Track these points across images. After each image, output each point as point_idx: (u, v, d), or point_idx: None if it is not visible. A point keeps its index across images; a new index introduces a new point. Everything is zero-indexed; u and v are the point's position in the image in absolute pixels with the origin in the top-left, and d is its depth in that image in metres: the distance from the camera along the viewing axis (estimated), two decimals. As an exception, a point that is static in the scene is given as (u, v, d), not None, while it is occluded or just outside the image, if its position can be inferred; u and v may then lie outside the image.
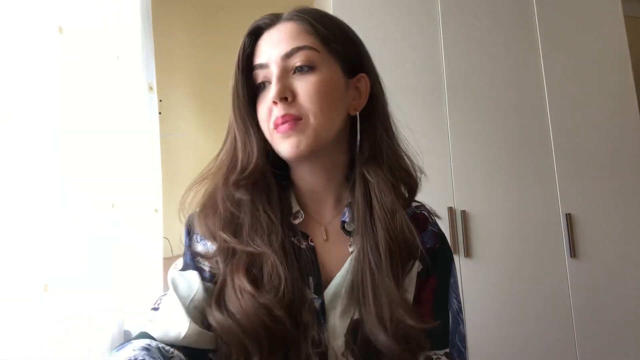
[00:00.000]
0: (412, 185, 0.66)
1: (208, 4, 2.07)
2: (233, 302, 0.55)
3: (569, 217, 1.65)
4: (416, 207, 0.72)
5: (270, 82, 0.60)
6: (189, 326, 0.55)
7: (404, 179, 0.65)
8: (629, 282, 1.67)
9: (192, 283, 0.60)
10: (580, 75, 1.78)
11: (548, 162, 1.70)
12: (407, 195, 0.65)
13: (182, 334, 0.55)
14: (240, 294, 0.55)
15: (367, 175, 0.62)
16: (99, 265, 1.19)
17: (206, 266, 0.62)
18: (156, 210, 1.41)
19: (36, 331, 1.01)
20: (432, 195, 1.75)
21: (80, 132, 1.20)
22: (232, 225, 0.59)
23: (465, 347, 0.66)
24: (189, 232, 0.66)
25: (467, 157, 1.65)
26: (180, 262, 0.64)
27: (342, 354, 0.58)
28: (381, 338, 0.56)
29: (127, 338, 1.29)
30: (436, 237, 0.69)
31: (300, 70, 0.59)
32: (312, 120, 0.58)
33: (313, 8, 0.65)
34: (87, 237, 1.19)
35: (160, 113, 1.67)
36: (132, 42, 1.42)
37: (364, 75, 0.65)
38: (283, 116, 0.58)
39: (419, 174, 0.67)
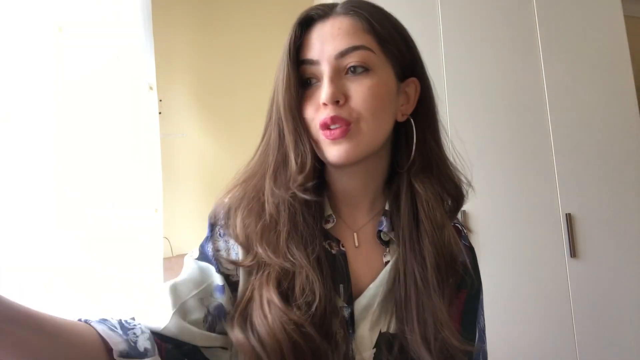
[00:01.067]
0: (459, 198, 0.64)
1: (208, 4, 2.07)
2: (259, 317, 0.53)
3: (569, 217, 1.65)
4: None
5: (318, 80, 0.57)
6: (170, 321, 0.53)
7: (452, 191, 0.63)
8: (629, 282, 1.67)
9: (206, 275, 0.58)
10: (580, 75, 1.78)
11: (548, 162, 1.70)
12: (453, 207, 0.63)
13: (161, 327, 0.53)
14: (268, 308, 0.53)
15: (416, 186, 0.60)
16: (99, 265, 1.19)
17: (223, 266, 0.59)
18: (156, 210, 1.41)
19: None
20: (432, 195, 1.74)
21: (80, 131, 1.20)
22: (270, 233, 0.57)
23: (485, 341, 0.66)
24: (214, 225, 0.62)
25: (467, 157, 1.65)
26: (196, 251, 0.62)
27: None
28: (425, 357, 0.54)
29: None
30: (468, 251, 0.66)
31: (353, 71, 0.55)
32: (363, 126, 0.55)
33: (369, 2, 0.61)
34: (87, 236, 1.19)
35: (160, 113, 1.66)
36: (132, 42, 1.42)
37: (414, 80, 0.62)
38: (333, 117, 0.54)
39: (466, 187, 0.65)
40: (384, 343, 0.57)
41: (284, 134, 0.57)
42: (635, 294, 1.66)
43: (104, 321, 0.52)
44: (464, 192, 0.65)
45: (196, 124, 1.98)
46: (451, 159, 0.66)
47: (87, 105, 1.23)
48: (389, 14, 0.62)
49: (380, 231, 0.62)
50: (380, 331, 0.57)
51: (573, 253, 1.63)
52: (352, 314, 0.57)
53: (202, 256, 0.60)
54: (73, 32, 1.14)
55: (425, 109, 0.63)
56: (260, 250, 0.55)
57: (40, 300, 1.05)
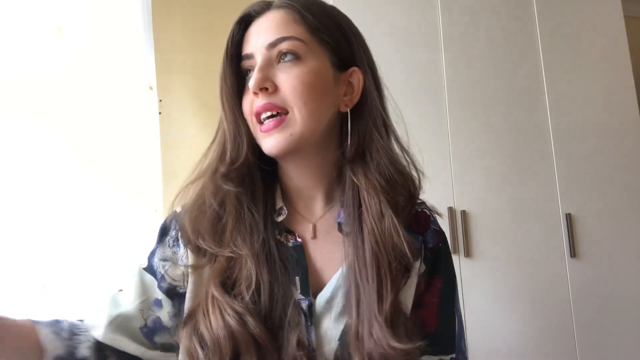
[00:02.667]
0: (408, 186, 0.61)
1: (208, 4, 2.07)
2: (201, 315, 0.53)
3: (569, 217, 1.65)
4: (417, 204, 0.68)
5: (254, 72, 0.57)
6: (104, 330, 0.56)
7: (397, 180, 0.59)
8: (629, 282, 1.67)
9: (147, 288, 0.60)
10: (580, 75, 1.78)
11: (548, 162, 1.70)
12: (405, 197, 0.60)
13: (100, 336, 0.56)
14: (212, 305, 0.53)
15: (352, 176, 0.59)
16: (99, 265, 1.19)
17: (168, 277, 0.60)
18: (156, 210, 1.41)
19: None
20: (432, 195, 1.75)
21: (80, 131, 1.20)
22: (217, 226, 0.57)
23: (467, 350, 0.65)
24: (164, 234, 0.64)
25: (467, 157, 1.65)
26: (146, 260, 0.63)
27: (335, 359, 0.55)
28: (356, 357, 0.52)
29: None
30: (438, 235, 0.66)
31: (283, 60, 0.56)
32: (296, 114, 0.55)
33: None
34: (87, 236, 1.19)
35: (160, 113, 1.66)
36: (132, 42, 1.42)
37: (355, 69, 0.61)
38: (264, 105, 0.55)
39: (416, 175, 0.63)
40: (345, 337, 0.56)
41: (225, 130, 0.59)
42: (635, 294, 1.66)
43: (55, 323, 0.55)
44: (415, 181, 0.63)
45: (196, 124, 1.98)
46: (401, 150, 0.65)
47: (87, 105, 1.23)
48: (325, 5, 0.62)
49: (340, 223, 0.61)
50: (346, 322, 0.56)
51: (573, 253, 1.63)
52: (310, 307, 0.56)
53: (149, 268, 0.62)
54: (73, 33, 1.14)
55: (368, 100, 0.61)
56: (206, 243, 0.56)
57: (39, 299, 1.05)
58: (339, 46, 0.60)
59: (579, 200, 1.68)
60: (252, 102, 0.57)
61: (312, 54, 0.57)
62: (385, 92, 0.66)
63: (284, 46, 0.55)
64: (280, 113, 0.55)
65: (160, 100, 1.69)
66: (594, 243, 1.67)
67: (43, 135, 1.10)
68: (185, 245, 0.59)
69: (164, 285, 0.60)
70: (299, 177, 0.62)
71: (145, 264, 0.62)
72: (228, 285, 0.54)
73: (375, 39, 1.77)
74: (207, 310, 0.53)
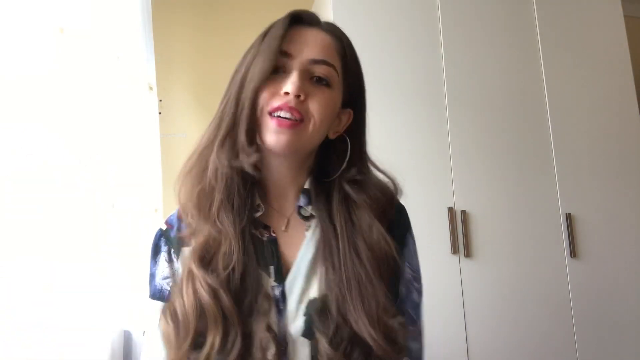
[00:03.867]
0: (390, 200, 0.69)
1: (208, 4, 2.07)
2: (179, 293, 0.57)
3: (569, 217, 1.65)
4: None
5: (285, 72, 0.61)
6: None
7: (380, 196, 0.67)
8: (629, 282, 1.67)
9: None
10: (580, 75, 1.78)
11: (548, 162, 1.70)
12: (387, 210, 0.68)
13: None
14: (187, 281, 0.57)
15: (348, 191, 0.66)
16: (99, 265, 1.19)
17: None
18: (156, 210, 1.41)
19: (37, 330, 1.01)
20: (432, 195, 1.76)
21: (80, 131, 1.20)
22: (205, 199, 0.61)
23: (418, 316, 0.70)
24: (157, 252, 0.68)
25: (467, 157, 1.65)
26: (148, 293, 0.66)
27: (303, 335, 0.59)
28: (371, 333, 0.57)
29: (126, 338, 1.29)
30: (393, 211, 0.71)
31: (318, 81, 0.62)
32: (310, 127, 0.61)
33: (346, 35, 0.69)
34: (87, 236, 1.19)
35: (160, 113, 1.67)
36: (132, 42, 1.42)
37: (350, 111, 0.69)
38: (291, 107, 0.59)
39: (395, 189, 0.70)
40: (314, 309, 0.60)
41: (241, 108, 0.61)
42: (635, 294, 1.66)
43: None
44: (393, 194, 0.70)
45: (196, 124, 1.98)
46: (379, 167, 0.71)
47: (87, 105, 1.23)
48: (356, 51, 0.69)
49: (300, 207, 0.67)
50: (308, 298, 0.61)
51: (573, 253, 1.63)
52: (283, 293, 0.61)
53: (155, 294, 0.66)
54: (74, 33, 1.14)
55: (354, 137, 0.69)
56: (191, 215, 0.61)
57: (40, 300, 1.05)
58: (352, 90, 0.68)
59: (579, 200, 1.68)
60: (273, 97, 0.60)
61: (337, 86, 0.64)
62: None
63: (324, 70, 0.62)
64: (297, 119, 0.60)
65: (160, 100, 1.69)
66: (594, 243, 1.67)
67: (43, 135, 1.10)
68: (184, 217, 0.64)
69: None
70: (279, 176, 0.67)
71: (149, 292, 0.66)
72: (206, 260, 0.58)
73: (375, 39, 1.79)
74: (182, 287, 0.57)
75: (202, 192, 0.61)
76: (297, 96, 0.59)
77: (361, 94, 0.70)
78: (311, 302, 0.60)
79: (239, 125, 0.60)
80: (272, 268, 0.62)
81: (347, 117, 0.69)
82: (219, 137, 0.62)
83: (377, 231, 0.63)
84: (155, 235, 0.69)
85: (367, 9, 1.68)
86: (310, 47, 0.62)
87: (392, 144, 1.59)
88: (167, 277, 0.65)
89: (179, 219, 0.67)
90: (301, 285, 0.62)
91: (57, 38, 1.09)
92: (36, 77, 1.05)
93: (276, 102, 0.60)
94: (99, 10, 1.26)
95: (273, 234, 0.66)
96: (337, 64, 0.64)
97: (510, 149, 1.69)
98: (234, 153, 0.60)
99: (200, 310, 0.55)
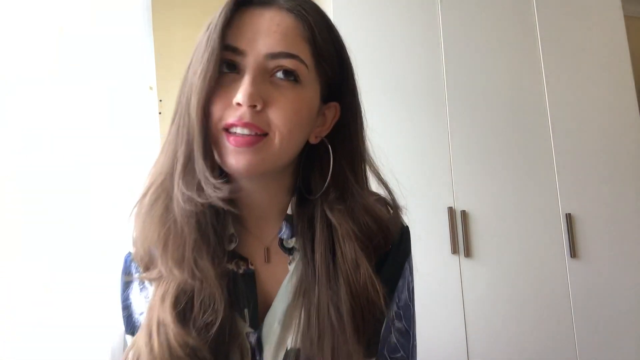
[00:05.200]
0: (384, 234, 0.56)
1: (208, 4, 2.07)
2: (143, 344, 0.48)
3: (569, 217, 1.65)
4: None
5: (239, 72, 0.49)
6: None
7: (372, 228, 0.55)
8: (629, 282, 1.67)
9: None
10: (580, 75, 1.78)
11: (548, 162, 1.70)
12: (378, 242, 0.56)
13: None
14: (157, 332, 0.47)
15: (331, 219, 0.54)
16: (99, 267, 1.19)
17: None
18: (156, 210, 1.41)
19: (37, 330, 1.01)
20: (432, 195, 1.76)
21: (80, 131, 1.20)
22: (175, 241, 0.50)
23: (412, 355, 0.60)
24: (128, 283, 0.57)
25: (467, 157, 1.65)
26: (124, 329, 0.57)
27: None
28: None
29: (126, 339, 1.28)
30: (392, 249, 0.60)
31: (282, 77, 0.49)
32: (276, 140, 0.48)
33: (317, 6, 0.53)
34: (87, 237, 1.19)
35: (160, 113, 1.66)
36: (132, 42, 1.42)
37: (336, 104, 0.56)
38: (245, 123, 0.47)
39: (397, 215, 0.59)
40: None
41: (192, 129, 0.48)
42: (635, 294, 1.66)
43: None
44: (389, 228, 0.57)
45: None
46: (377, 186, 0.59)
47: (87, 106, 1.23)
48: (333, 26, 0.54)
49: (281, 239, 0.56)
50: (286, 349, 0.52)
51: (573, 253, 1.63)
52: (259, 339, 0.52)
53: (135, 331, 0.55)
54: (74, 33, 1.14)
55: (344, 135, 0.56)
56: (160, 263, 0.50)
57: (40, 300, 1.05)
58: (333, 79, 0.54)
59: (579, 200, 1.68)
60: (227, 108, 0.48)
61: (310, 81, 0.51)
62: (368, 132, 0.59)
63: (286, 63, 0.48)
64: (257, 134, 0.48)
65: (160, 100, 1.69)
66: (594, 243, 1.67)
67: (42, 135, 1.10)
68: (138, 265, 0.54)
69: None
70: (255, 198, 0.56)
71: (126, 327, 0.57)
72: (182, 311, 0.49)
73: (375, 39, 1.78)
74: (152, 336, 0.48)
75: (169, 235, 0.50)
76: (253, 106, 0.46)
77: (346, 81, 0.56)
78: (287, 354, 0.52)
79: (195, 153, 0.48)
80: (246, 311, 0.53)
81: (333, 113, 0.56)
82: (178, 167, 0.49)
83: (363, 272, 0.52)
84: (125, 260, 0.58)
85: (367, 9, 1.68)
86: (266, 36, 0.48)
87: (392, 143, 1.59)
88: (143, 313, 0.53)
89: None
90: (278, 333, 0.53)
91: (58, 38, 1.09)
92: (36, 77, 1.05)
93: (229, 117, 0.47)
94: (99, 10, 1.26)
95: (251, 267, 0.55)
96: (305, 52, 0.49)
97: (510, 149, 1.69)
98: (196, 186, 0.48)
99: None
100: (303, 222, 0.56)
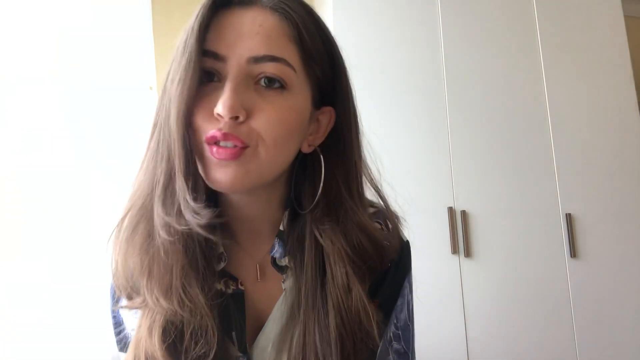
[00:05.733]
0: (380, 256, 0.52)
1: (208, 4, 2.07)
2: None
3: (569, 217, 1.65)
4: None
5: (219, 79, 0.45)
6: None
7: (367, 249, 0.50)
8: (629, 282, 1.67)
9: None
10: (580, 75, 1.78)
11: (548, 162, 1.70)
12: (373, 266, 0.51)
13: None
14: None
15: (320, 238, 0.49)
16: (99, 267, 1.19)
17: None
18: (156, 211, 1.41)
19: (37, 330, 1.01)
20: (432, 195, 1.76)
21: (80, 131, 1.20)
22: (160, 269, 0.46)
23: None
24: (119, 301, 0.53)
25: (467, 157, 1.65)
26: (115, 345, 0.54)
27: None
28: None
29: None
30: (389, 266, 0.56)
31: (266, 84, 0.45)
32: (261, 152, 0.44)
33: (303, 3, 0.49)
34: (86, 237, 1.19)
35: (160, 113, 1.66)
36: (132, 42, 1.42)
37: (331, 109, 0.51)
38: (225, 134, 0.43)
39: (396, 231, 0.55)
40: None
41: (172, 145, 0.44)
42: (635, 294, 1.66)
43: None
44: (385, 248, 0.52)
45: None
46: (374, 202, 0.55)
47: (88, 106, 1.23)
48: (322, 24, 0.50)
49: (274, 258, 0.53)
50: None
51: (573, 253, 1.63)
52: None
53: (127, 347, 0.52)
54: (74, 33, 1.14)
55: (337, 143, 0.52)
56: (146, 293, 0.45)
57: (40, 300, 1.05)
58: (325, 82, 0.50)
59: (579, 200, 1.68)
60: (208, 119, 0.44)
61: (299, 86, 0.46)
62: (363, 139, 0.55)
63: (270, 68, 0.44)
64: (241, 146, 0.44)
65: (160, 100, 1.69)
66: (594, 243, 1.67)
67: (42, 135, 1.10)
68: (119, 294, 0.50)
69: None
70: (243, 210, 0.52)
71: (117, 344, 0.54)
72: (172, 344, 0.46)
73: (375, 39, 1.78)
74: None
75: (153, 263, 0.46)
76: (235, 117, 0.43)
77: (339, 83, 0.51)
78: None
79: (175, 169, 0.44)
80: (233, 334, 0.49)
81: (327, 118, 0.51)
82: (158, 189, 0.45)
83: (355, 297, 0.48)
84: (111, 287, 0.55)
85: (368, 9, 1.68)
86: (248, 38, 0.44)
87: (392, 144, 1.59)
88: (134, 329, 0.50)
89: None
90: (272, 355, 0.50)
91: (58, 38, 1.09)
92: (36, 77, 1.05)
93: (210, 129, 0.43)
94: (99, 10, 1.26)
95: (240, 287, 0.51)
96: (291, 54, 0.45)
97: (510, 149, 1.69)
98: (176, 211, 0.44)
99: None
100: (293, 240, 0.52)
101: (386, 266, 0.53)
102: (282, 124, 0.45)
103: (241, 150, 0.44)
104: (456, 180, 1.63)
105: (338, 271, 0.48)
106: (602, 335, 1.61)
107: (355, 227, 0.50)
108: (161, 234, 0.44)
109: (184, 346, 0.45)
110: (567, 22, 1.81)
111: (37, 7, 0.97)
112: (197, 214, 0.43)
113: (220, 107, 0.42)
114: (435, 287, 1.53)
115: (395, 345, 0.54)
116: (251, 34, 0.44)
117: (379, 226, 0.54)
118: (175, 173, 0.44)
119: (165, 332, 0.45)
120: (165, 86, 0.47)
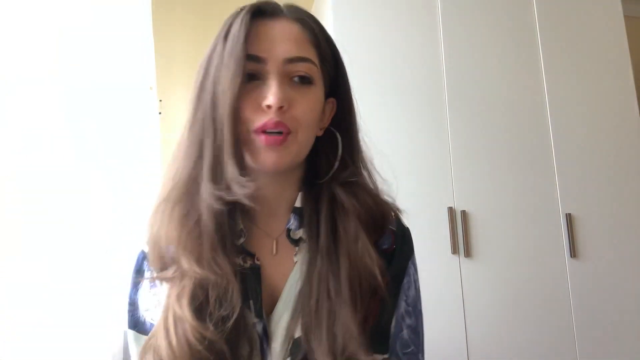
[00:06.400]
0: (382, 213, 0.62)
1: (208, 4, 2.07)
2: (162, 339, 0.50)
3: (569, 217, 1.65)
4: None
5: (259, 79, 0.54)
6: None
7: (372, 206, 0.60)
8: (629, 282, 1.67)
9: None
10: (580, 75, 1.78)
11: (548, 162, 1.70)
12: (377, 222, 0.61)
13: None
14: (174, 328, 0.50)
15: (337, 196, 0.59)
16: (99, 267, 1.19)
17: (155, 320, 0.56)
18: (156, 210, 1.41)
19: (37, 330, 1.01)
20: (432, 195, 1.76)
21: (80, 131, 1.20)
22: (195, 241, 0.53)
23: (420, 348, 0.63)
24: (139, 276, 0.60)
25: (467, 157, 1.65)
26: (127, 318, 0.60)
27: None
28: None
29: (127, 338, 1.29)
30: (393, 236, 0.64)
31: (299, 81, 0.55)
32: (300, 136, 0.55)
33: (311, 14, 0.61)
34: (86, 237, 1.19)
35: (160, 113, 1.67)
36: (132, 42, 1.42)
37: (333, 100, 0.63)
38: (277, 123, 0.52)
39: (389, 200, 0.64)
40: (295, 350, 0.54)
41: (220, 134, 0.53)
42: (635, 294, 1.66)
43: None
44: (386, 208, 0.63)
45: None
46: (374, 175, 0.64)
47: (88, 105, 1.23)
48: (326, 30, 0.62)
49: (289, 230, 0.60)
50: (294, 338, 0.55)
51: (573, 253, 1.63)
52: (265, 329, 0.55)
53: (134, 323, 0.59)
54: (74, 33, 1.14)
55: (341, 127, 0.63)
56: (183, 261, 0.52)
57: (40, 300, 1.05)
58: (331, 77, 0.61)
59: (579, 200, 1.68)
60: (255, 112, 0.53)
61: (319, 81, 0.58)
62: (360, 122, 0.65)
63: (302, 68, 0.55)
64: (285, 132, 0.53)
65: (160, 100, 1.69)
66: (594, 243, 1.67)
67: (42, 135, 1.10)
68: (152, 265, 0.56)
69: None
70: (268, 193, 0.60)
71: (128, 322, 0.60)
72: (199, 307, 0.51)
73: (375, 39, 1.78)
74: (169, 330, 0.50)
75: (189, 235, 0.53)
76: (281, 107, 0.52)
77: (342, 79, 0.63)
78: (295, 342, 0.54)
79: (224, 154, 0.52)
80: (251, 302, 0.55)
81: (330, 108, 0.63)
82: (205, 171, 0.53)
83: (362, 244, 0.56)
84: (138, 258, 0.62)
85: (367, 9, 1.68)
86: (281, 44, 0.54)
87: (392, 144, 1.59)
88: (148, 309, 0.57)
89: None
90: (287, 322, 0.55)
91: (58, 38, 1.09)
92: (36, 77, 1.05)
93: (260, 120, 0.53)
94: (99, 10, 1.26)
95: (257, 262, 0.58)
96: (314, 55, 0.57)
97: (510, 149, 1.69)
98: (225, 185, 0.52)
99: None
100: (308, 213, 0.60)
101: (387, 228, 0.63)
102: (312, 111, 0.56)
103: (285, 136, 0.53)
104: (456, 180, 1.63)
105: (350, 225, 0.57)
106: (602, 335, 1.61)
107: (362, 190, 0.61)
108: (210, 206, 0.52)
109: (209, 309, 0.51)
110: (567, 22, 1.81)
111: (37, 7, 0.97)
112: (244, 186, 0.51)
113: (271, 98, 0.52)
114: (435, 287, 1.53)
115: (407, 320, 0.62)
116: (284, 40, 0.55)
117: (378, 191, 0.64)
118: (222, 157, 0.52)
119: (193, 297, 0.51)
120: (203, 86, 0.56)
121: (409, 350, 0.61)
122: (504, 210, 1.64)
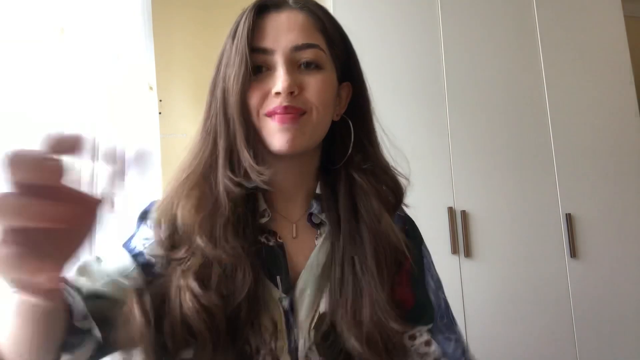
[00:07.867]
0: (397, 191, 0.65)
1: (208, 4, 2.07)
2: (173, 307, 0.52)
3: (569, 217, 1.65)
4: None
5: (269, 69, 0.57)
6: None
7: (389, 184, 0.64)
8: (629, 282, 1.67)
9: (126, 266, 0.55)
10: (580, 75, 1.78)
11: (548, 162, 1.70)
12: (394, 200, 0.65)
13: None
14: (182, 297, 0.51)
15: (355, 178, 0.62)
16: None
17: (148, 254, 0.57)
18: (156, 210, 1.41)
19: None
20: (432, 195, 1.76)
21: (80, 132, 1.20)
22: (209, 222, 0.55)
23: (453, 320, 0.66)
24: (144, 216, 0.62)
25: (467, 157, 1.65)
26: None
27: (309, 349, 0.56)
28: (352, 341, 0.54)
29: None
30: (404, 220, 0.69)
31: (307, 66, 0.57)
32: (314, 116, 0.56)
33: (318, 3, 0.63)
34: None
35: (160, 113, 1.67)
36: (132, 42, 1.42)
37: (348, 84, 0.65)
38: (286, 107, 0.54)
39: (403, 181, 0.67)
40: (320, 323, 0.57)
41: (232, 125, 0.56)
42: (635, 294, 1.66)
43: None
44: (402, 186, 0.66)
45: (196, 124, 1.98)
46: (387, 158, 0.68)
47: (88, 106, 1.23)
48: (335, 18, 0.64)
49: (311, 214, 0.63)
50: (319, 312, 0.58)
51: (573, 253, 1.63)
52: (291, 303, 0.57)
53: (128, 248, 0.59)
54: (74, 33, 1.14)
55: (358, 112, 0.65)
56: (199, 241, 0.54)
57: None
58: (343, 61, 0.63)
59: (579, 200, 1.68)
60: (264, 99, 0.56)
61: (329, 65, 0.59)
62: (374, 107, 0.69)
63: (309, 54, 0.57)
64: (298, 113, 0.55)
65: (160, 100, 1.69)
66: (594, 243, 1.67)
67: (42, 135, 1.10)
68: (169, 237, 0.57)
69: (141, 259, 0.57)
70: (284, 179, 0.62)
71: (123, 243, 0.61)
72: (207, 281, 0.53)
73: (375, 39, 1.78)
74: (180, 304, 0.51)
75: (206, 217, 0.55)
76: (291, 92, 0.54)
77: (353, 62, 0.65)
78: (320, 317, 0.57)
79: (237, 143, 0.56)
80: (278, 278, 0.57)
81: (346, 92, 0.65)
82: (222, 159, 0.56)
83: (385, 222, 0.59)
84: (150, 204, 0.64)
85: (367, 9, 1.68)
86: (288, 32, 0.56)
87: (391, 143, 1.59)
88: (147, 239, 0.58)
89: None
90: (311, 297, 0.58)
91: (58, 38, 1.09)
92: (36, 77, 1.05)
93: (270, 106, 0.55)
94: (99, 10, 1.26)
95: (280, 240, 0.60)
96: (321, 41, 0.58)
97: (510, 149, 1.69)
98: (241, 172, 0.55)
99: (201, 327, 0.51)
100: (327, 198, 0.63)
101: (398, 213, 0.66)
102: (325, 92, 0.57)
103: (299, 116, 0.55)
104: (456, 180, 1.63)
105: (371, 205, 0.60)
106: (602, 335, 1.61)
107: (380, 170, 0.64)
108: (229, 190, 0.55)
109: (215, 283, 0.53)
110: (567, 22, 1.81)
111: (37, 6, 0.97)
112: (261, 173, 0.54)
113: (280, 85, 0.54)
114: (435, 287, 1.54)
115: (441, 294, 0.66)
116: (290, 29, 0.57)
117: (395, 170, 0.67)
118: (236, 146, 0.56)
119: (200, 271, 0.53)
120: (216, 82, 0.60)
121: (445, 321, 0.64)
122: (504, 210, 1.64)
